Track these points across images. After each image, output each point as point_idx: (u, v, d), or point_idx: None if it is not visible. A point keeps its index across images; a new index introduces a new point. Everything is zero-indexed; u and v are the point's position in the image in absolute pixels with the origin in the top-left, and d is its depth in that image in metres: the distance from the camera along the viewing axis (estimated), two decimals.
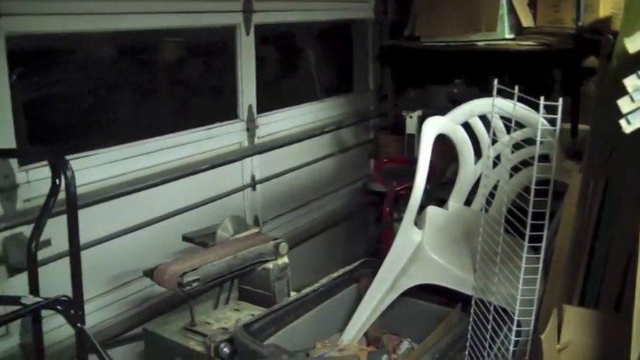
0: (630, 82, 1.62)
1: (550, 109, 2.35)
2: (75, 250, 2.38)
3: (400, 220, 4.51)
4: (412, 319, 3.16)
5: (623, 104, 1.63)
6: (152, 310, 3.58)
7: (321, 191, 4.93)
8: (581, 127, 4.07)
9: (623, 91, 1.64)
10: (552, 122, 2.37)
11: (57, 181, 2.48)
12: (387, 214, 4.57)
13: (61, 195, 2.50)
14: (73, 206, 2.37)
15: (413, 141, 4.75)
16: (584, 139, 3.11)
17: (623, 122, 1.65)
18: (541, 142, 2.63)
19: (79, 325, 2.37)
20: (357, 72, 5.40)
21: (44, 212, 2.48)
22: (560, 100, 2.25)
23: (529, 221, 2.34)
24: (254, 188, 4.28)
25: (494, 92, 2.60)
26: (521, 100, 2.47)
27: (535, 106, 2.44)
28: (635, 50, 1.65)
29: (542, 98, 2.26)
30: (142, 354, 3.43)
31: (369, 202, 5.32)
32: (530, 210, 2.32)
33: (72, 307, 2.38)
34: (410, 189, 4.60)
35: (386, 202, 4.60)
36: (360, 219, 5.35)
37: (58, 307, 2.36)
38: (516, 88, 2.44)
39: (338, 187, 5.12)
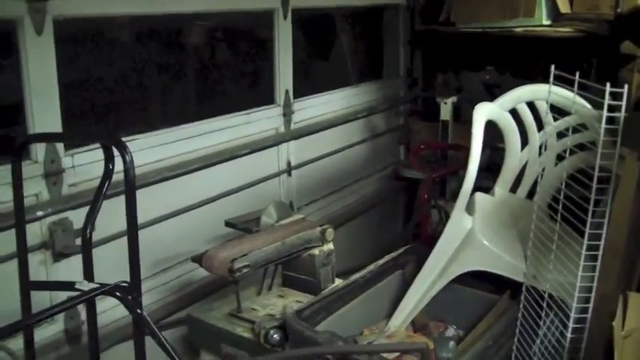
0: None
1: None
2: (133, 234, 2.37)
3: (435, 206, 4.55)
4: (457, 306, 3.17)
5: None
6: (193, 295, 3.59)
7: (353, 177, 4.92)
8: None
9: None
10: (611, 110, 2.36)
11: (110, 165, 2.46)
12: (424, 201, 4.55)
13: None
14: (131, 190, 2.35)
15: (447, 127, 4.74)
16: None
17: None
18: (587, 129, 2.63)
19: (138, 310, 2.36)
20: (388, 57, 5.37)
21: (99, 196, 2.45)
22: (626, 87, 2.24)
23: (591, 208, 2.33)
24: (289, 174, 4.27)
25: (551, 78, 2.58)
26: (581, 86, 2.46)
27: (586, 91, 2.44)
28: None
29: (607, 84, 2.24)
30: (182, 339, 3.44)
31: (400, 188, 5.31)
32: (593, 196, 2.31)
33: (130, 292, 2.36)
34: (444, 175, 4.66)
35: (423, 188, 4.58)
36: (390, 205, 5.35)
37: (117, 294, 2.35)
38: (577, 74, 2.43)
39: (370, 173, 5.11)
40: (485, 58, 4.92)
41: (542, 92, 2.75)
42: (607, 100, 2.26)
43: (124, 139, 3.19)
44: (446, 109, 4.67)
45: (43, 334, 3.02)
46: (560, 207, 2.56)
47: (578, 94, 2.54)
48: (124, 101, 3.60)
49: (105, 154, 2.48)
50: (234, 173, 3.86)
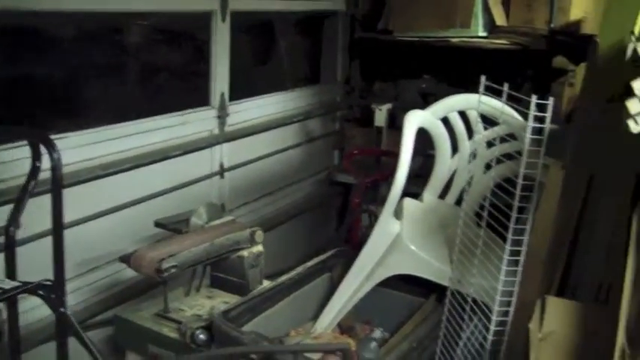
0: (638, 84, 1.68)
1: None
2: (58, 232, 2.35)
3: (367, 211, 4.60)
4: (384, 309, 3.20)
5: (632, 105, 1.68)
6: (121, 295, 3.55)
7: (287, 180, 4.93)
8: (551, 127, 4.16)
9: (630, 93, 1.69)
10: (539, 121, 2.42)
11: (37, 162, 2.43)
12: (356, 205, 4.60)
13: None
14: (58, 188, 2.33)
15: (381, 133, 4.79)
16: (553, 137, 3.18)
17: (631, 123, 1.70)
18: (516, 139, 2.70)
19: (61, 309, 2.34)
20: (326, 63, 5.40)
21: (24, 193, 2.44)
22: (551, 99, 2.30)
23: (514, 215, 2.39)
24: (222, 176, 4.26)
25: (481, 88, 2.63)
26: (510, 97, 2.52)
27: (519, 103, 2.50)
28: None
29: (533, 96, 2.30)
30: (108, 339, 3.40)
31: (333, 193, 5.35)
32: (516, 204, 2.37)
33: (54, 291, 2.34)
34: (377, 181, 4.71)
35: (355, 193, 4.63)
36: (323, 209, 5.37)
37: (40, 292, 2.32)
38: (505, 86, 2.49)
39: (303, 177, 5.13)
40: (423, 67, 5.00)
41: (474, 102, 2.80)
42: (532, 111, 2.32)
43: (55, 136, 3.19)
44: (380, 115, 4.72)
45: None
46: (485, 214, 2.61)
47: (510, 106, 2.60)
48: (54, 99, 3.54)
49: (32, 151, 2.46)
50: (166, 174, 3.83)
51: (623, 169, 2.21)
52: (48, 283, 2.32)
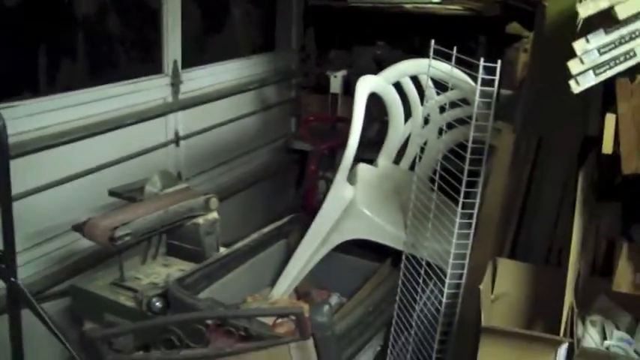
0: (579, 45, 1.70)
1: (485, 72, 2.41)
2: (6, 202, 2.32)
3: (324, 178, 4.61)
4: (341, 274, 3.24)
5: (573, 66, 1.71)
6: (77, 265, 3.51)
7: (243, 148, 4.91)
8: (502, 91, 4.19)
9: (572, 54, 1.71)
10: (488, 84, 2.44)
11: None
12: (312, 172, 4.61)
13: None
14: (5, 156, 2.30)
15: (337, 100, 4.80)
16: (506, 102, 3.22)
17: (572, 83, 1.72)
18: (468, 104, 2.72)
19: (12, 279, 2.32)
20: (281, 30, 5.36)
21: None
22: (499, 62, 2.32)
23: (464, 178, 2.41)
24: (177, 144, 4.23)
25: (431, 52, 2.65)
26: (459, 61, 2.53)
27: (471, 68, 2.51)
28: (586, 15, 1.72)
29: (481, 60, 2.32)
30: (66, 310, 3.37)
31: (291, 161, 5.35)
32: (467, 167, 2.39)
33: (4, 261, 2.32)
34: (334, 148, 4.72)
35: (312, 160, 4.64)
36: (281, 177, 5.37)
37: None
38: (454, 49, 2.50)
39: (260, 145, 5.11)
40: (377, 34, 4.99)
41: (425, 66, 2.81)
42: (480, 74, 2.34)
43: (6, 104, 3.15)
44: (336, 82, 4.73)
45: None
46: (437, 178, 2.64)
47: (463, 71, 2.62)
48: (7, 68, 3.48)
49: None
50: (120, 142, 3.78)
51: (569, 130, 2.25)
52: None
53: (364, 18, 4.86)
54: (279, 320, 2.30)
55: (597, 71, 1.72)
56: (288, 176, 5.47)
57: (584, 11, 1.71)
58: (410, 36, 4.75)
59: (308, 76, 5.43)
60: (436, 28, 4.39)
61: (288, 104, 5.42)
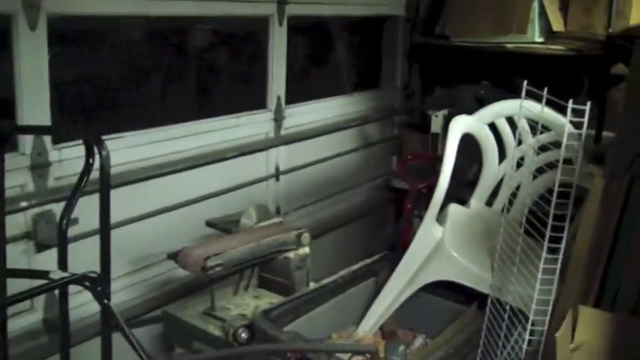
0: None
1: (577, 114, 2.37)
2: (105, 227, 2.42)
3: (421, 217, 4.58)
4: (428, 315, 3.20)
5: None
6: (173, 293, 3.63)
7: (343, 185, 4.96)
8: (605, 134, 4.08)
9: None
10: (578, 126, 2.40)
11: (90, 160, 2.50)
12: (408, 211, 4.60)
13: (91, 175, 2.55)
14: (106, 185, 2.40)
15: (437, 139, 4.78)
16: (608, 146, 3.14)
17: None
18: (566, 146, 2.66)
19: (105, 301, 2.42)
20: (386, 68, 5.41)
21: (76, 190, 2.51)
22: (588, 103, 2.28)
23: (550, 222, 2.37)
24: (277, 179, 4.32)
25: (523, 93, 2.62)
26: (549, 102, 2.50)
27: (563, 110, 2.47)
28: None
29: (570, 101, 2.29)
30: (160, 336, 3.49)
31: (390, 199, 5.35)
32: (552, 211, 2.35)
33: (99, 283, 2.42)
34: (432, 187, 4.69)
35: (408, 198, 4.63)
36: (380, 215, 5.37)
37: (86, 283, 2.41)
38: (545, 90, 2.47)
39: (360, 182, 5.15)
40: (481, 73, 4.95)
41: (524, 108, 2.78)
42: (569, 116, 2.31)
43: (113, 136, 3.31)
44: (437, 121, 4.71)
45: (22, 322, 3.10)
46: (523, 221, 2.60)
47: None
48: (115, 100, 3.67)
49: (86, 149, 2.54)
50: (221, 175, 3.90)
51: None
52: (93, 275, 2.40)
53: (468, 57, 4.84)
54: (358, 358, 2.31)
55: None
56: (387, 214, 5.47)
57: None
58: (513, 76, 4.70)
59: (412, 114, 5.44)
60: (540, 68, 4.36)
61: (390, 142, 5.43)
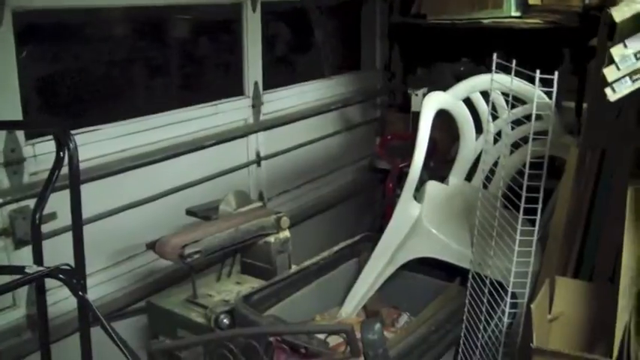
0: (616, 50, 1.64)
1: (548, 85, 2.35)
2: (77, 220, 2.40)
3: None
4: (411, 293, 3.20)
5: (609, 73, 1.65)
6: (156, 284, 3.61)
7: (327, 168, 4.94)
8: (586, 106, 4.06)
9: (610, 61, 1.65)
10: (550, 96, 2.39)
11: (61, 153, 2.48)
12: (390, 191, 4.59)
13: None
14: (75, 178, 2.38)
15: (418, 118, 4.76)
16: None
17: (608, 90, 1.66)
18: (540, 118, 2.65)
19: (80, 293, 2.40)
20: (365, 50, 5.39)
21: (48, 184, 2.49)
22: (556, 73, 2.26)
23: (524, 194, 2.36)
24: (259, 164, 4.29)
25: (493, 67, 2.61)
26: (518, 74, 2.48)
27: (534, 81, 2.45)
28: (620, 19, 1.66)
29: (537, 71, 2.27)
30: (145, 327, 3.48)
31: (376, 180, 5.33)
32: (525, 183, 2.34)
33: (74, 276, 2.40)
34: None
35: (389, 178, 4.63)
36: (366, 196, 5.36)
37: (60, 276, 2.38)
38: (513, 62, 2.46)
39: (344, 165, 5.13)
40: (461, 51, 4.93)
41: (496, 82, 2.77)
42: (537, 87, 2.29)
43: (90, 128, 3.29)
44: (417, 100, 4.68)
45: (6, 318, 3.08)
46: (499, 195, 2.59)
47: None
48: (90, 92, 3.63)
49: (56, 143, 2.52)
50: (201, 164, 3.88)
51: (626, 142, 2.17)
52: (67, 267, 2.38)
53: (446, 35, 4.81)
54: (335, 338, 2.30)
55: (634, 77, 1.65)
56: (373, 196, 5.45)
57: (619, 15, 1.65)
58: (492, 52, 4.68)
59: (393, 95, 5.42)
60: (519, 43, 4.33)
61: (373, 123, 5.42)
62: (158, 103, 3.75)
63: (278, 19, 4.62)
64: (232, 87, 4.14)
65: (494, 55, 2.59)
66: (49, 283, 2.66)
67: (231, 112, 4.07)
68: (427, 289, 3.19)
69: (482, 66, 4.76)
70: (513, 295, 2.52)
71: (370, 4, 5.27)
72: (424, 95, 4.59)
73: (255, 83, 4.18)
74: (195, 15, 4.08)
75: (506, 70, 2.63)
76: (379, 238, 3.17)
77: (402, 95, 5.36)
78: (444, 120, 3.14)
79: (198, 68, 4.26)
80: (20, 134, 3.01)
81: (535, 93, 2.31)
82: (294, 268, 3.21)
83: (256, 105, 4.20)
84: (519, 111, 2.81)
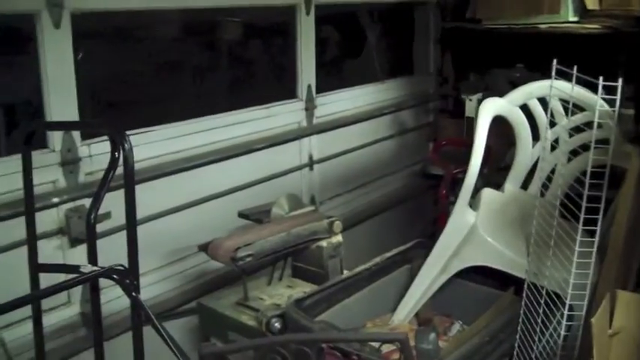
0: None
1: (611, 91, 2.30)
2: (131, 220, 2.42)
3: (454, 203, 4.53)
4: (464, 302, 3.15)
5: None
6: (207, 285, 3.63)
7: (379, 173, 4.93)
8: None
9: None
10: (613, 105, 2.33)
11: (116, 154, 2.50)
12: (443, 197, 4.55)
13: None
14: (130, 179, 2.40)
15: (472, 124, 4.70)
16: None
17: None
18: (600, 126, 2.59)
19: (133, 294, 2.41)
20: (418, 54, 5.36)
21: (103, 185, 2.50)
22: (620, 80, 2.21)
23: (584, 204, 2.30)
24: (311, 168, 4.30)
25: (553, 73, 2.55)
26: (580, 81, 2.42)
27: (595, 88, 2.39)
28: None
29: (600, 78, 2.21)
30: (196, 329, 3.50)
31: (428, 186, 5.29)
32: (586, 192, 2.28)
33: (127, 276, 2.41)
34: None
35: (442, 184, 4.58)
36: (417, 202, 5.32)
37: (114, 276, 2.40)
38: (575, 68, 2.40)
39: (396, 170, 5.11)
40: (516, 57, 4.86)
41: (555, 88, 2.71)
42: (600, 94, 2.23)
43: (143, 130, 3.32)
44: (471, 105, 4.64)
45: (61, 315, 3.13)
46: (557, 204, 2.53)
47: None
48: (145, 93, 3.68)
49: (111, 144, 2.53)
50: (254, 166, 3.90)
51: None
52: (121, 268, 2.39)
53: (501, 40, 4.75)
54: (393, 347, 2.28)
55: None
56: (425, 201, 5.41)
57: None
58: (548, 58, 4.60)
59: (446, 100, 5.38)
60: (575, 48, 4.24)
61: (425, 128, 5.39)
62: (211, 106, 3.77)
63: (331, 23, 4.61)
64: (285, 90, 4.15)
65: (554, 61, 2.53)
66: (103, 281, 2.69)
67: (284, 115, 4.08)
68: (480, 297, 3.13)
69: (537, 72, 4.68)
70: (570, 307, 2.46)
71: (423, 9, 5.24)
72: (478, 101, 4.58)
73: (309, 86, 4.18)
74: (249, 18, 4.10)
75: (563, 76, 2.57)
76: (432, 244, 3.13)
77: (454, 100, 5.32)
78: (498, 126, 3.09)
79: (252, 71, 4.29)
80: (76, 135, 3.06)
81: (597, 101, 2.25)
82: (346, 273, 3.19)
83: (309, 108, 4.20)
84: (579, 118, 2.75)
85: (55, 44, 2.92)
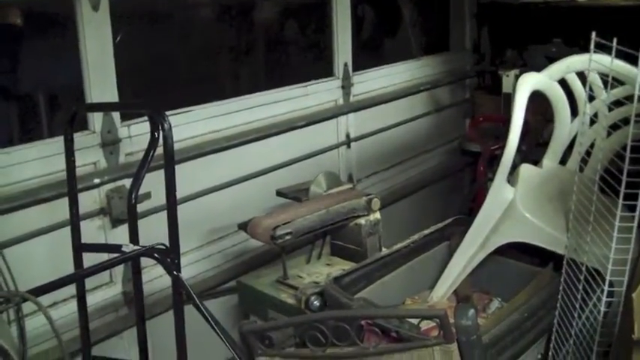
0: None
1: None
2: (172, 200, 2.45)
3: (492, 179, 4.50)
4: (503, 278, 3.14)
5: None
6: (247, 264, 3.68)
7: (416, 150, 4.92)
8: None
9: None
10: None
11: (156, 134, 2.52)
12: (481, 174, 4.53)
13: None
14: (170, 158, 2.43)
15: (509, 100, 4.67)
16: None
17: None
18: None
19: (174, 272, 2.45)
20: (454, 30, 5.33)
21: (143, 165, 2.54)
22: None
23: (624, 179, 2.28)
24: (349, 146, 4.31)
25: (592, 46, 2.52)
26: (620, 54, 2.39)
27: (635, 61, 2.36)
28: None
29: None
30: (236, 307, 3.53)
31: (465, 162, 5.28)
32: (626, 167, 2.26)
33: (168, 255, 2.45)
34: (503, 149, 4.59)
35: (480, 161, 4.56)
36: (455, 179, 5.32)
37: (155, 255, 2.44)
38: (614, 41, 2.37)
39: (433, 147, 5.10)
40: (553, 31, 4.80)
41: (595, 62, 2.67)
42: None
43: (182, 110, 3.35)
44: (508, 81, 4.60)
45: (104, 294, 3.19)
46: (597, 179, 2.51)
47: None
48: (184, 74, 3.70)
49: (151, 124, 2.56)
50: (291, 145, 3.92)
51: None
52: (162, 247, 2.44)
53: (538, 15, 4.70)
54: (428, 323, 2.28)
55: None
56: (462, 178, 5.40)
57: None
58: (585, 32, 4.53)
59: (483, 77, 5.33)
60: (615, 21, 4.17)
61: (462, 105, 5.37)
62: (249, 85, 3.79)
63: (367, 1, 4.59)
64: (322, 68, 4.15)
65: (593, 34, 2.50)
66: (144, 261, 2.74)
67: (322, 93, 4.09)
68: (518, 274, 3.12)
69: (575, 47, 4.62)
70: (610, 284, 2.44)
71: None
72: (516, 77, 4.53)
73: (345, 64, 4.18)
74: None
75: (602, 49, 2.53)
76: (470, 221, 3.12)
77: (491, 77, 5.28)
78: (536, 102, 3.05)
79: (288, 50, 4.29)
80: (116, 116, 3.10)
81: (638, 73, 2.21)
82: (384, 250, 3.20)
83: (346, 86, 4.20)
84: (619, 92, 2.71)
85: (93, 27, 2.96)
